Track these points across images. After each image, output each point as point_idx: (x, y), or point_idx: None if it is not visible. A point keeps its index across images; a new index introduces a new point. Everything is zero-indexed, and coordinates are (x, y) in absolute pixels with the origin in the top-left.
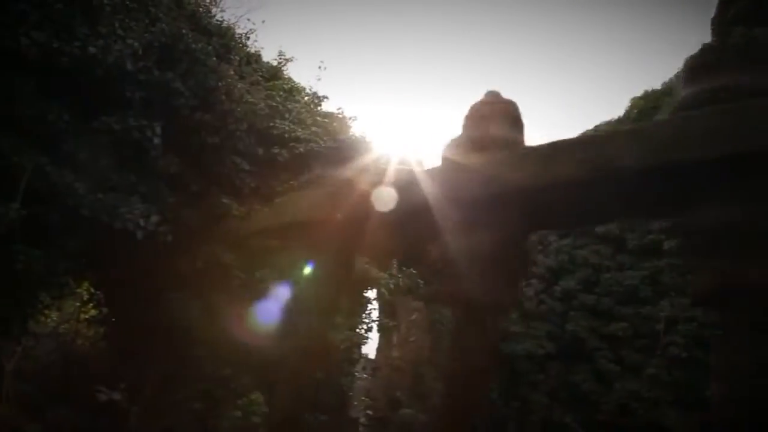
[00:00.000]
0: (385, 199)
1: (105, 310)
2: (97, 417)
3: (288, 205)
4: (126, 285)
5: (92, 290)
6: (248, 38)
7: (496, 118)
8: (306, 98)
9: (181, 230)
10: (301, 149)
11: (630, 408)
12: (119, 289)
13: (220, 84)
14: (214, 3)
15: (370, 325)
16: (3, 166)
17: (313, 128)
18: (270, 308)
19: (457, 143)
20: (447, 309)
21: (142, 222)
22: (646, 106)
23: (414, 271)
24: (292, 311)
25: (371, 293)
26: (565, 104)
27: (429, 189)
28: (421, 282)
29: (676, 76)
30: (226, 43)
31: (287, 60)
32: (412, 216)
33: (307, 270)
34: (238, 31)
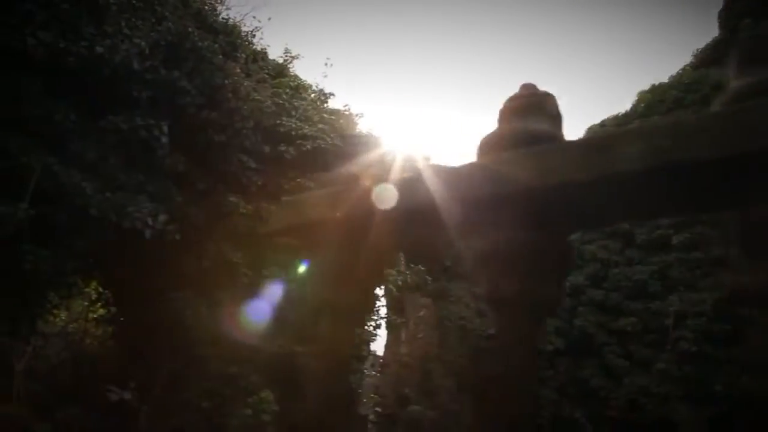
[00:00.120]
0: (413, 196)
1: (113, 309)
2: (107, 416)
3: (309, 203)
4: (134, 284)
5: (100, 290)
6: (254, 36)
7: (533, 112)
8: (312, 95)
9: (188, 229)
10: (308, 146)
11: (639, 403)
12: (127, 289)
13: (226, 82)
14: (219, 1)
15: (378, 322)
16: (11, 166)
17: (320, 125)
18: (278, 307)
19: (492, 138)
20: (454, 305)
21: (150, 221)
22: (653, 100)
23: (422, 268)
24: (306, 311)
25: (379, 290)
26: (569, 100)
27: (461, 186)
28: (429, 279)
29: (684, 69)
30: (232, 41)
31: (293, 57)
32: (446, 214)
33: (330, 269)
34: (244, 28)
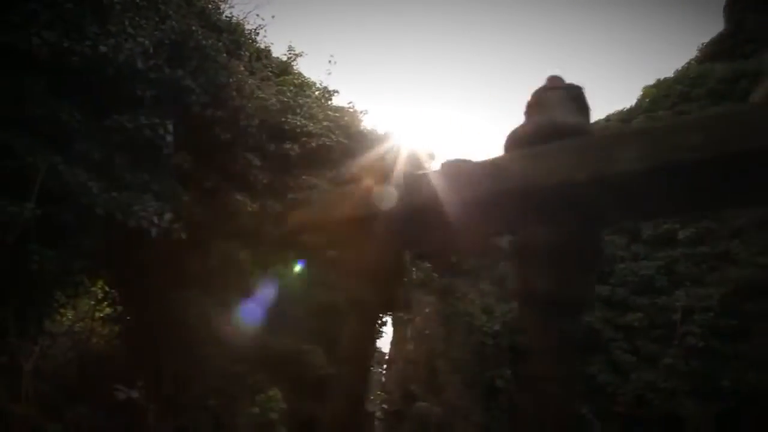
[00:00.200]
0: (438, 191)
1: (119, 308)
2: (115, 415)
3: (332, 200)
4: (140, 283)
5: (106, 289)
6: (257, 34)
7: (562, 104)
8: (317, 93)
9: (194, 228)
10: (314, 144)
11: (646, 399)
12: (133, 287)
13: (230, 80)
14: None
15: (384, 319)
16: (16, 166)
17: (325, 123)
18: (284, 305)
19: (520, 132)
20: (461, 302)
21: (156, 219)
22: (658, 95)
23: (428, 265)
24: (313, 309)
25: None
26: None
27: (491, 181)
28: (435, 275)
29: (689, 63)
30: (236, 39)
31: (297, 55)
32: (473, 209)
33: (353, 268)
34: (248, 26)
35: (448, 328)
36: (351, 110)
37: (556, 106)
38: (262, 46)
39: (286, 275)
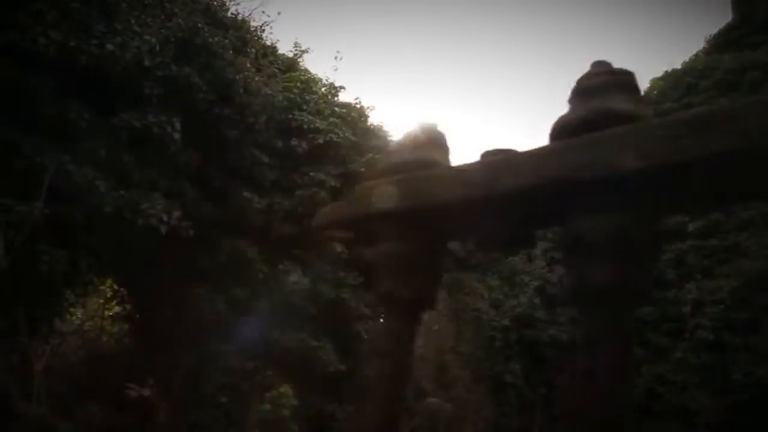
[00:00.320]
0: (479, 182)
1: (129, 306)
2: (127, 413)
3: (363, 194)
4: (149, 281)
5: (115, 287)
6: (263, 30)
7: (612, 90)
8: (323, 89)
9: (203, 225)
10: (321, 140)
11: (657, 392)
12: (143, 286)
13: (237, 77)
14: None
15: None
16: (25, 165)
17: (332, 119)
18: (294, 301)
19: (567, 120)
20: (470, 297)
21: (164, 217)
22: (666, 87)
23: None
24: (322, 305)
25: None
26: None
27: (536, 170)
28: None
29: (697, 55)
30: (242, 36)
31: (303, 51)
32: (515, 200)
33: (390, 262)
34: (253, 23)
35: (457, 324)
36: (358, 106)
37: (605, 92)
38: (268, 42)
39: (294, 271)
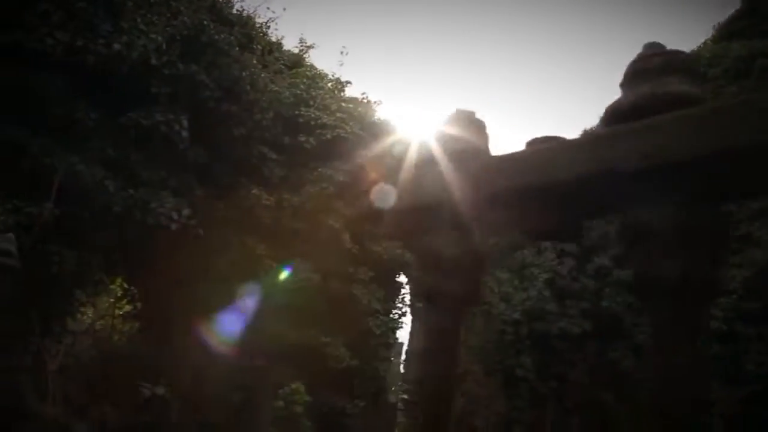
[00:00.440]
0: (530, 170)
1: (139, 305)
2: (139, 412)
3: (413, 184)
4: (159, 279)
5: (126, 286)
6: (269, 27)
7: (671, 72)
8: (329, 84)
9: (211, 222)
10: (328, 135)
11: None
12: (153, 284)
13: (243, 74)
14: None
15: (404, 310)
16: (34, 166)
17: (339, 114)
18: (302, 298)
19: (622, 105)
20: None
21: (174, 215)
22: None
23: None
24: (331, 302)
25: (402, 277)
26: (588, 77)
27: (590, 158)
28: None
29: (704, 43)
30: (248, 33)
31: (308, 47)
32: (570, 187)
33: (432, 256)
34: (258, 20)
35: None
36: (365, 101)
37: (660, 74)
38: (274, 39)
39: (304, 268)
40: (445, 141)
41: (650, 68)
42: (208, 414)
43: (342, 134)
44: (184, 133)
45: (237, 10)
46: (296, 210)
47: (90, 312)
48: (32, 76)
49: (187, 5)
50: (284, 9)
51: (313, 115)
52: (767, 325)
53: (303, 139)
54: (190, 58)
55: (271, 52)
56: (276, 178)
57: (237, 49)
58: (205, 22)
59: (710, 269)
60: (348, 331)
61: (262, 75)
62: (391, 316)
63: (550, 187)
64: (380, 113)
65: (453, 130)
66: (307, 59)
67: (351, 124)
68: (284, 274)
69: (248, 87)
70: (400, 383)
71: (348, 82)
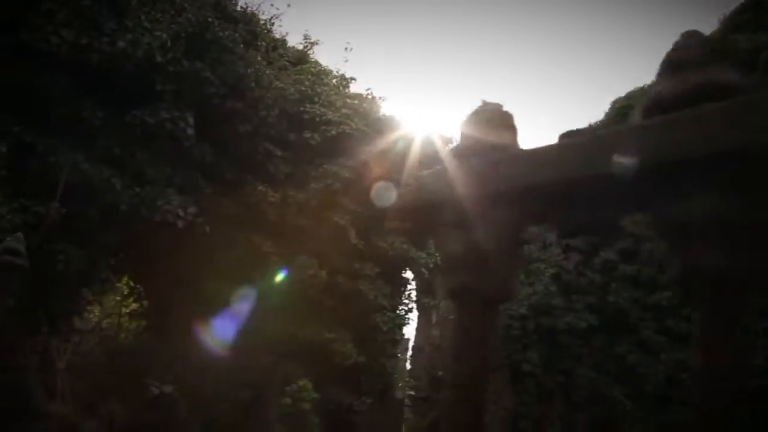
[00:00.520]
0: (562, 164)
1: (145, 303)
2: (147, 410)
3: (428, 181)
4: (166, 277)
5: (132, 284)
6: (273, 23)
7: (709, 61)
8: (334, 81)
9: (218, 219)
10: (333, 132)
11: (678, 378)
12: (159, 282)
13: (248, 71)
14: None
15: (410, 306)
16: (40, 165)
17: (344, 110)
18: (309, 294)
19: (662, 94)
20: None
21: (180, 213)
22: (630, 106)
23: None
24: (338, 299)
25: (409, 273)
26: (591, 73)
27: (632, 150)
28: None
29: (711, 35)
30: (252, 30)
31: (313, 43)
32: (603, 182)
33: (459, 253)
34: (263, 16)
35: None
36: (369, 97)
37: (702, 63)
38: (278, 35)
39: (309, 264)
40: (472, 136)
41: (692, 57)
42: (215, 411)
43: (347, 130)
44: (190, 131)
45: (241, 7)
46: (302, 206)
47: (97, 310)
48: (37, 76)
49: (192, 2)
50: (288, 5)
51: (318, 112)
52: None
53: (308, 135)
54: (195, 56)
55: (275, 48)
56: (281, 174)
57: (241, 46)
58: (210, 19)
59: (755, 263)
60: (354, 328)
61: (267, 72)
62: (398, 312)
63: (586, 181)
64: (385, 109)
65: (478, 124)
66: (311, 56)
67: (356, 120)
68: (290, 271)
69: (253, 84)
70: (407, 379)
71: (352, 79)
